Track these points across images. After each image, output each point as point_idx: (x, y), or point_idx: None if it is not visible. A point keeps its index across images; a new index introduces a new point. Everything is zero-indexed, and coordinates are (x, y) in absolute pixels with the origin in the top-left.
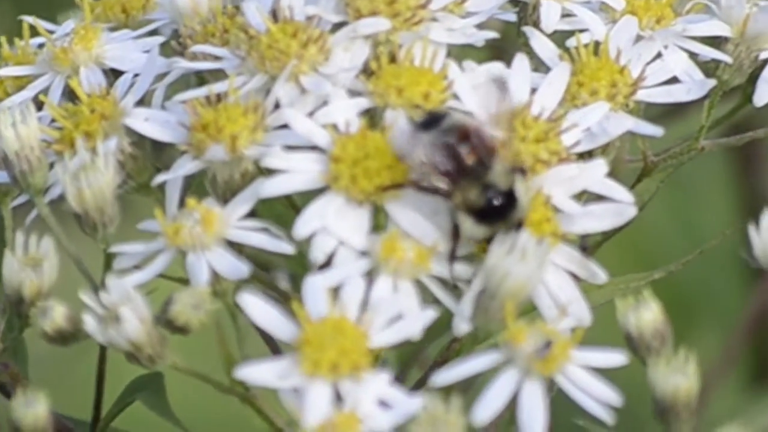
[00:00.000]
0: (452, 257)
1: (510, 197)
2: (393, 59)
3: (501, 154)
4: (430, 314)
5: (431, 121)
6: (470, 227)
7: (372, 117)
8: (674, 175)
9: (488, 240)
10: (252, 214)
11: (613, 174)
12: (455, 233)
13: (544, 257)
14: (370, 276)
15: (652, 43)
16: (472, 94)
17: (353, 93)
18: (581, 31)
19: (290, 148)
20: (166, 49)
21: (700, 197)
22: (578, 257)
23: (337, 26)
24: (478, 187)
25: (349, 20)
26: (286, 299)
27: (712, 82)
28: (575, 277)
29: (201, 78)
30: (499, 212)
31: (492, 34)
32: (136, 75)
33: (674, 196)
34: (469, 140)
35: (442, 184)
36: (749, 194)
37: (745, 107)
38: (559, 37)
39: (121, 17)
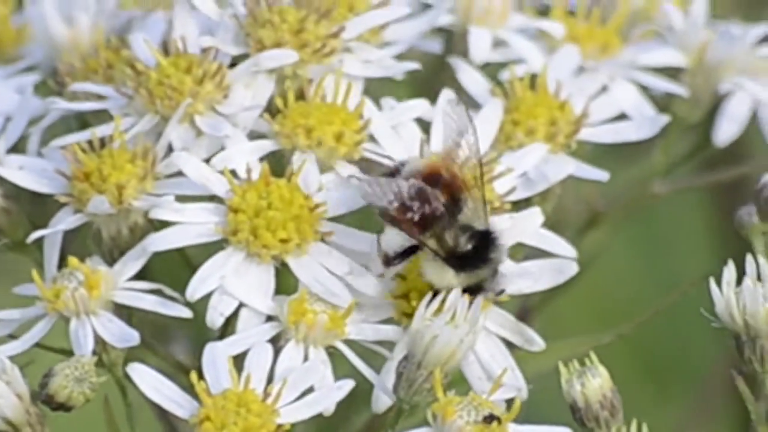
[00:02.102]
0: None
1: (488, 238)
2: (301, 96)
3: (471, 192)
4: (347, 386)
5: (397, 168)
6: (450, 278)
7: (277, 161)
8: (647, 219)
9: (471, 290)
10: (145, 273)
11: (557, 225)
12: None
13: (476, 319)
14: (278, 342)
15: (597, 75)
16: (392, 135)
17: (257, 135)
18: (516, 62)
19: (185, 198)
20: (42, 89)
21: (678, 243)
22: (512, 321)
23: (238, 59)
24: (454, 229)
25: (251, 52)
26: (186, 370)
27: (664, 119)
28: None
29: (83, 120)
30: (481, 256)
31: (413, 66)
32: (8, 118)
33: (648, 243)
34: (439, 180)
35: (415, 231)
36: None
37: (705, 147)
38: (492, 70)
39: None
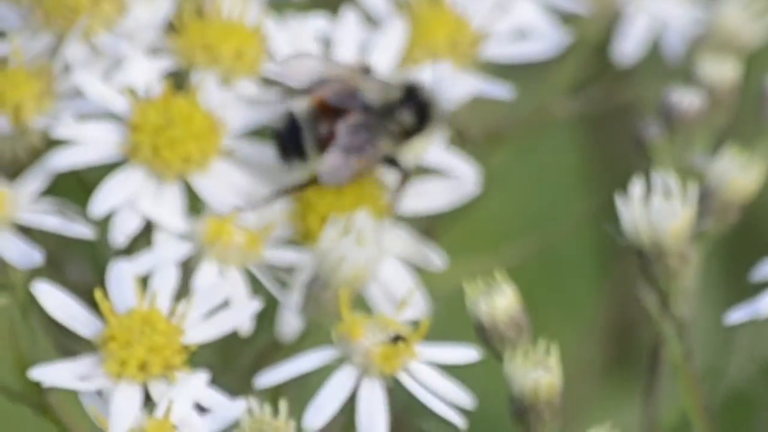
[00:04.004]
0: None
1: (414, 92)
2: (200, 14)
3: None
4: (256, 304)
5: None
6: (417, 147)
7: (178, 80)
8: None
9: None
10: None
11: (457, 145)
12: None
13: (383, 239)
14: (192, 263)
15: None
16: (293, 52)
17: (155, 53)
18: None
19: (84, 117)
20: None
21: (548, 165)
22: (410, 240)
23: None
24: (392, 114)
25: None
26: (90, 290)
27: (568, 38)
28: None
29: None
30: (425, 114)
31: None
32: None
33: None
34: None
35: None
36: (602, 161)
37: (605, 68)
38: None
39: None
